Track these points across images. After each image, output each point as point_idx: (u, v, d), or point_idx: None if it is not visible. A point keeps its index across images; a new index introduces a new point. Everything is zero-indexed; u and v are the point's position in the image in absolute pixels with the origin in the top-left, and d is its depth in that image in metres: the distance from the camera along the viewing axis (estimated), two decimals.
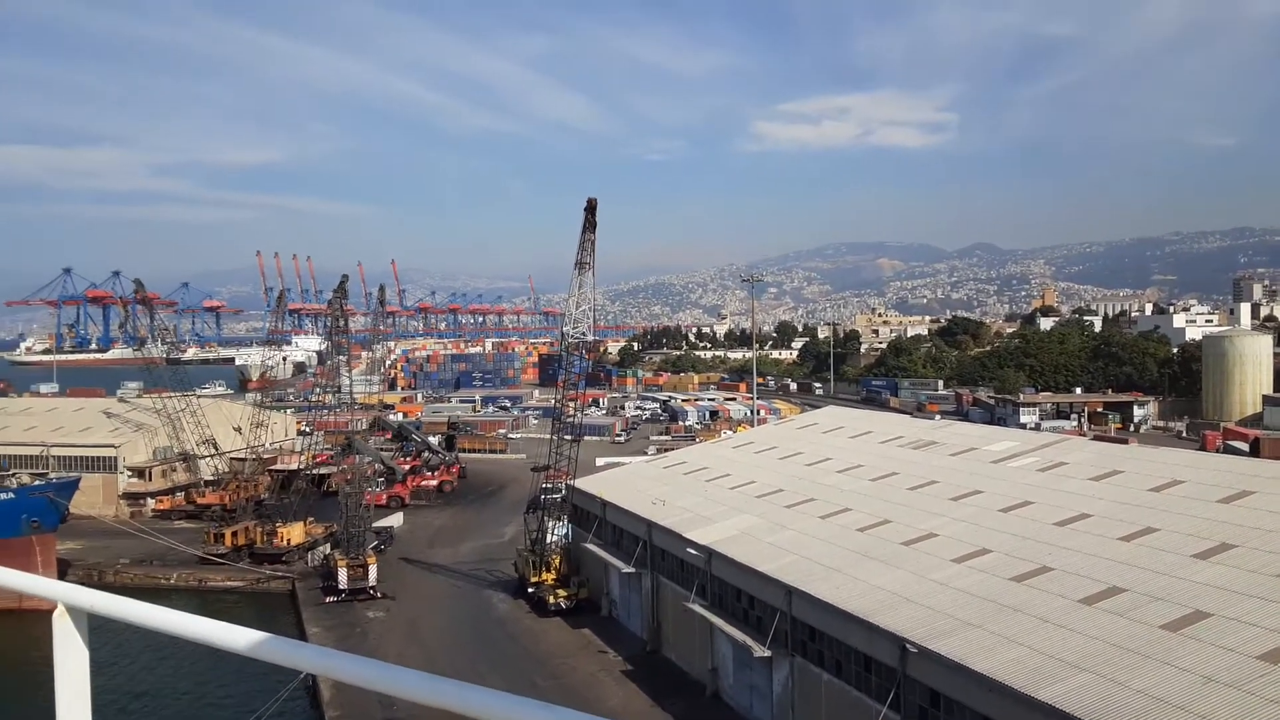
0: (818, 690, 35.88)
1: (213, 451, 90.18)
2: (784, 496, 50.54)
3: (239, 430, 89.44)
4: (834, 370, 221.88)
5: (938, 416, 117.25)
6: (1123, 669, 25.92)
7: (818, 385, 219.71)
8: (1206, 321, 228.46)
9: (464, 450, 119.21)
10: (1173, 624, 28.09)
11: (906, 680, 30.46)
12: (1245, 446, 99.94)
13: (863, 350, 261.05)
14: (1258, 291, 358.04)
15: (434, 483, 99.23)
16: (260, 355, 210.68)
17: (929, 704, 29.84)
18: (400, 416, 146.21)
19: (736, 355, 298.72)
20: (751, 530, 45.63)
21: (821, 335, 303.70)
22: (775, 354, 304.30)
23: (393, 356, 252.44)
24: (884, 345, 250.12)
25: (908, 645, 30.05)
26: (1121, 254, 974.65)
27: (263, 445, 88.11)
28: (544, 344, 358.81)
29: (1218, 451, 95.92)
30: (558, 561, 60.06)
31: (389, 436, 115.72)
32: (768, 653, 38.04)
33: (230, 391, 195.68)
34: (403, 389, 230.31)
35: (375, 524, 72.09)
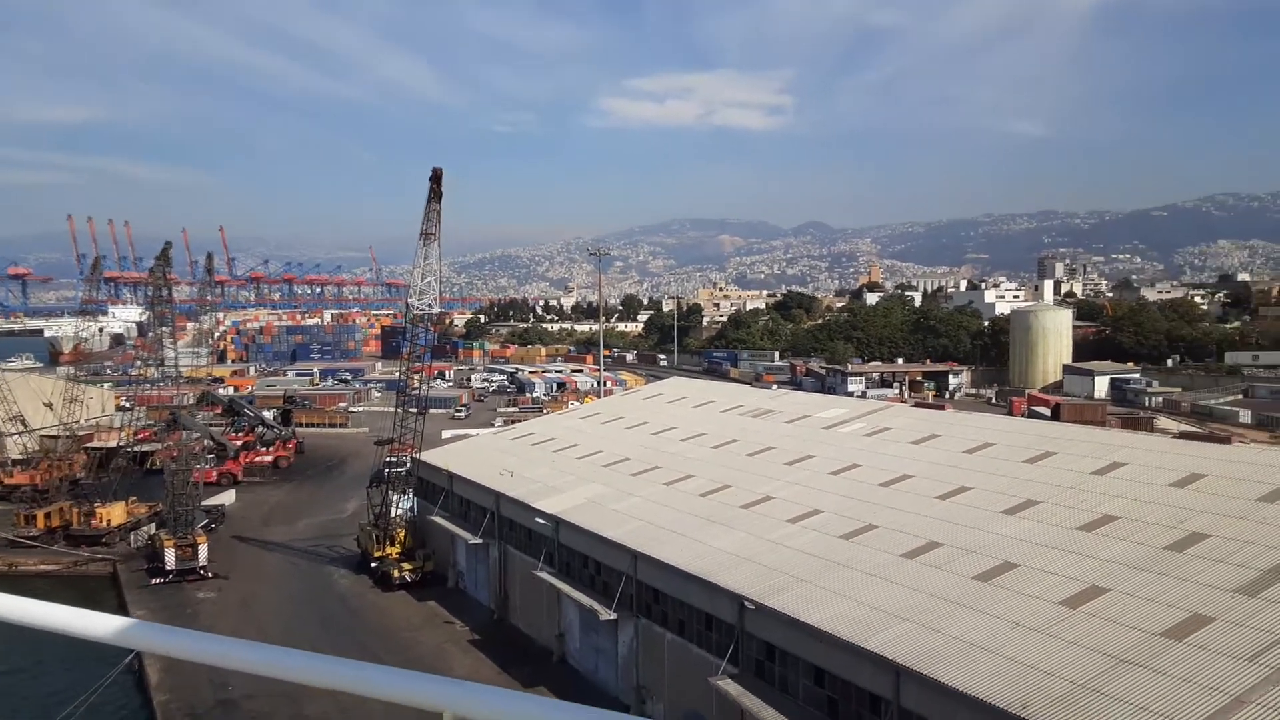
0: (660, 649, 37.09)
1: (21, 429, 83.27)
2: (630, 465, 51.56)
3: (50, 406, 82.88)
4: (678, 342, 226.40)
5: (774, 386, 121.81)
6: (939, 617, 28.11)
7: (662, 357, 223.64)
8: (1014, 297, 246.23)
9: (301, 425, 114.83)
10: (984, 574, 30.61)
11: (745, 636, 31.97)
12: (1047, 412, 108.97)
13: (705, 323, 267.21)
14: (1059, 270, 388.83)
15: (269, 459, 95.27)
16: (73, 326, 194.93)
17: (765, 657, 31.44)
18: (231, 390, 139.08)
19: (584, 328, 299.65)
20: (598, 498, 46.38)
21: (666, 308, 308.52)
22: (622, 326, 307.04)
23: (222, 328, 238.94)
24: (725, 318, 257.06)
25: (745, 602, 31.50)
26: (940, 234, 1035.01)
27: (77, 422, 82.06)
28: (387, 316, 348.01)
29: (1023, 416, 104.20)
30: (402, 535, 59.11)
31: (219, 411, 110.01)
32: (613, 615, 38.95)
33: (39, 365, 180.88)
34: (234, 362, 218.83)
35: (205, 502, 68.66)
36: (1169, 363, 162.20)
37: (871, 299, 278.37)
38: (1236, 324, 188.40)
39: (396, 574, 56.88)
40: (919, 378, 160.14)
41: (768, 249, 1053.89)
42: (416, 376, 58.58)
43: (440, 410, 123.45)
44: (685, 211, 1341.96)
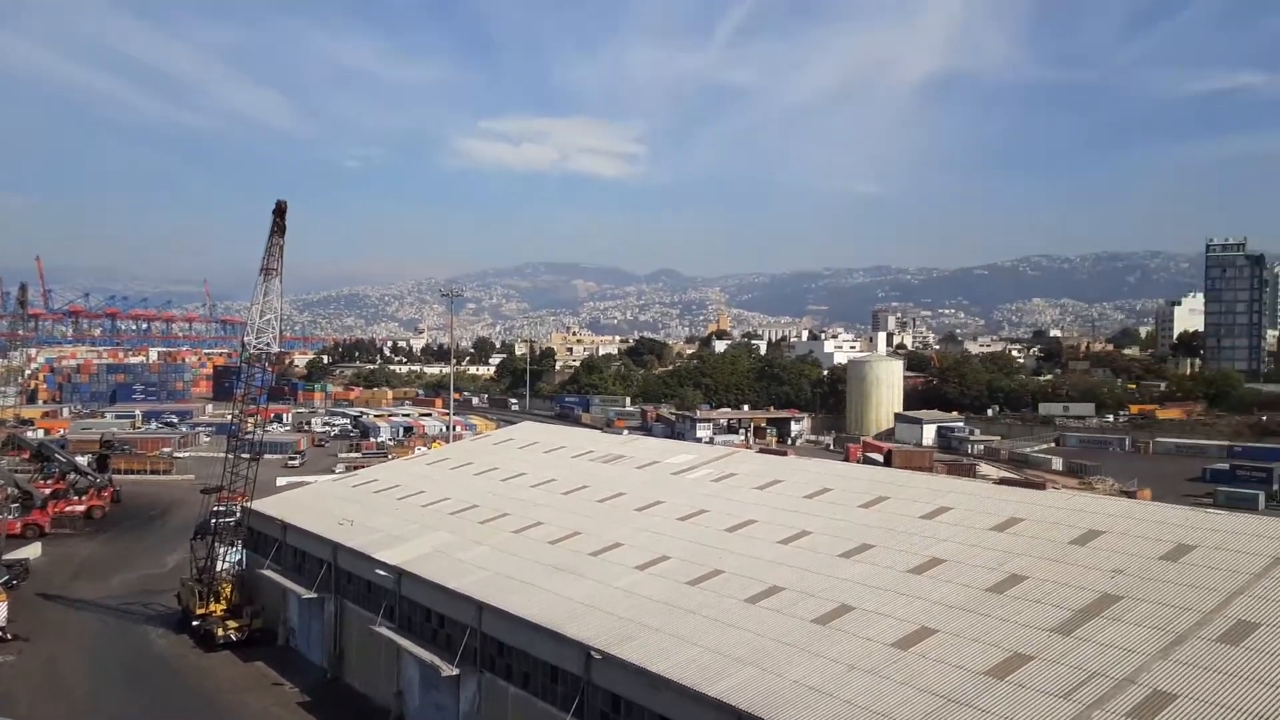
0: (504, 704, 36.10)
1: None
2: (478, 512, 50.44)
3: None
4: (530, 386, 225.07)
5: (625, 432, 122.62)
6: (780, 661, 28.59)
7: (514, 401, 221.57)
8: (851, 348, 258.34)
9: (121, 471, 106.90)
10: (823, 617, 31.43)
11: (590, 687, 31.54)
12: (880, 458, 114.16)
13: (558, 367, 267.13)
14: (892, 323, 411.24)
15: (81, 508, 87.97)
16: None
17: (610, 709, 31.09)
18: (40, 434, 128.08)
19: (434, 370, 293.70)
20: (444, 548, 45.06)
21: (519, 352, 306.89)
22: (474, 369, 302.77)
23: (34, 365, 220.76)
24: (578, 363, 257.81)
25: (592, 652, 31.13)
26: (784, 285, 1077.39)
27: None
28: (220, 355, 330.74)
29: (859, 462, 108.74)
30: (229, 590, 55.50)
31: (27, 456, 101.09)
32: (455, 671, 37.69)
33: None
34: (45, 402, 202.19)
35: (6, 556, 62.57)
36: (989, 412, 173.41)
37: (720, 346, 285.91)
38: (1049, 377, 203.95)
39: (221, 632, 53.28)
40: (763, 424, 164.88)
41: (621, 295, 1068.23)
42: (251, 420, 55.56)
43: (277, 456, 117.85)
44: (540, 255, 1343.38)
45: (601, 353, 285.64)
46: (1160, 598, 29.19)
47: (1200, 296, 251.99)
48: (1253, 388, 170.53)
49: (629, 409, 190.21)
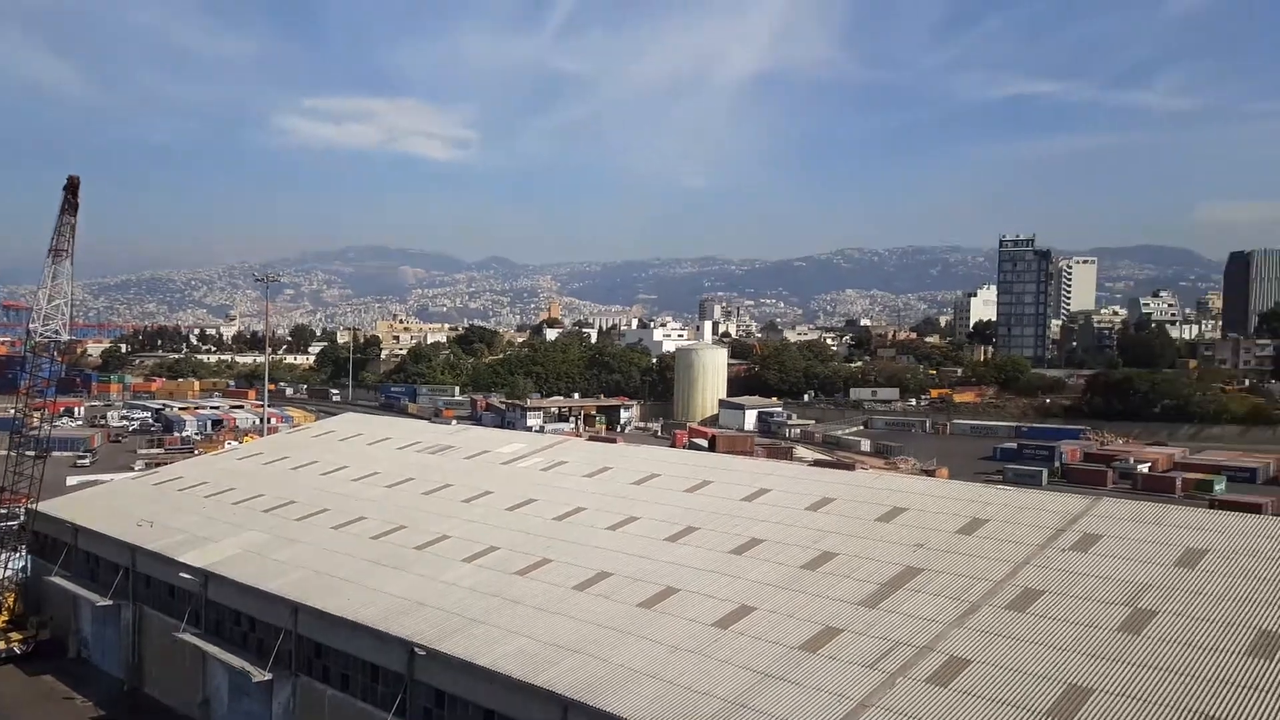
0: (321, 708, 34.71)
1: None
2: (295, 509, 48.17)
3: None
4: (353, 376, 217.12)
5: (454, 422, 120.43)
6: (607, 646, 28.87)
7: (335, 391, 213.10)
8: (679, 336, 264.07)
9: None
10: (648, 601, 31.96)
11: (414, 684, 30.80)
12: (705, 443, 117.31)
13: (383, 356, 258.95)
14: (717, 311, 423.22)
15: None
16: None
17: (434, 704, 30.48)
18: None
19: (246, 360, 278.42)
20: (257, 547, 42.76)
21: (341, 340, 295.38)
22: (291, 359, 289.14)
23: None
24: (404, 352, 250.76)
25: (416, 649, 30.40)
26: (615, 274, 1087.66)
27: None
28: (3, 343, 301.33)
29: (685, 447, 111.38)
30: (11, 600, 50.65)
31: None
32: (268, 676, 35.88)
33: None
34: None
35: None
36: (806, 397, 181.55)
37: (551, 335, 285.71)
38: (860, 363, 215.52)
39: (3, 645, 48.63)
40: (594, 412, 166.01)
41: (450, 282, 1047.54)
42: (37, 414, 50.80)
43: (66, 453, 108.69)
44: (365, 240, 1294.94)
45: (430, 341, 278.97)
46: (957, 569, 31.41)
47: (994, 288, 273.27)
48: (1038, 372, 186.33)
49: (458, 398, 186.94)
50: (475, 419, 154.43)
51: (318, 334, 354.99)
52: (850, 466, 69.87)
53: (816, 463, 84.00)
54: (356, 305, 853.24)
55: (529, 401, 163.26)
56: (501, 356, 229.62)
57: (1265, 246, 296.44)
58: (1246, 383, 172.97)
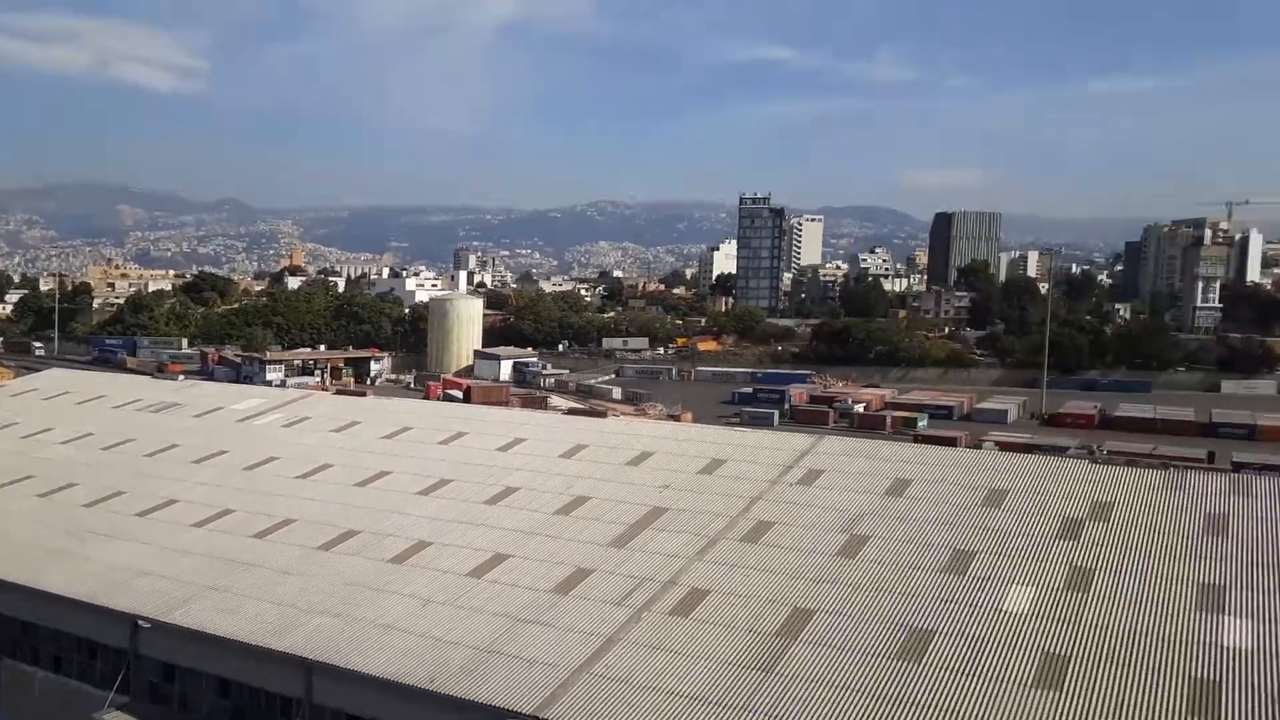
0: (30, 692, 31.47)
1: None
2: None
3: None
4: (60, 328, 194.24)
5: (181, 377, 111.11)
6: (356, 605, 28.21)
7: (39, 345, 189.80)
8: (433, 286, 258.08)
9: None
10: (399, 556, 31.47)
11: (138, 660, 28.64)
12: (460, 394, 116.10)
13: (97, 306, 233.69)
14: (473, 262, 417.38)
15: None
16: None
17: (162, 679, 28.54)
18: None
19: None
20: None
21: (45, 288, 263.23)
22: None
23: None
24: (122, 300, 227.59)
25: (139, 622, 28.23)
26: (364, 220, 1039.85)
27: None
28: None
29: (439, 399, 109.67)
30: None
31: None
32: None
33: None
34: None
35: None
36: (560, 347, 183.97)
37: (294, 283, 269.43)
38: (612, 314, 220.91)
39: None
40: (341, 365, 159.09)
41: (177, 225, 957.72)
42: None
43: None
44: (74, 177, 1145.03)
45: (152, 289, 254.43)
46: (698, 507, 33.36)
47: (734, 243, 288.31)
48: (772, 322, 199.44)
49: (186, 351, 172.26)
50: (207, 374, 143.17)
51: (16, 280, 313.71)
52: (602, 414, 71.85)
53: (570, 411, 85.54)
54: (64, 249, 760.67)
55: (269, 354, 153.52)
56: (237, 306, 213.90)
57: (964, 209, 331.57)
58: (946, 330, 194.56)
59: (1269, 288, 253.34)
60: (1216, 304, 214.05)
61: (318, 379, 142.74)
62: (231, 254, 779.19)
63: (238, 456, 43.38)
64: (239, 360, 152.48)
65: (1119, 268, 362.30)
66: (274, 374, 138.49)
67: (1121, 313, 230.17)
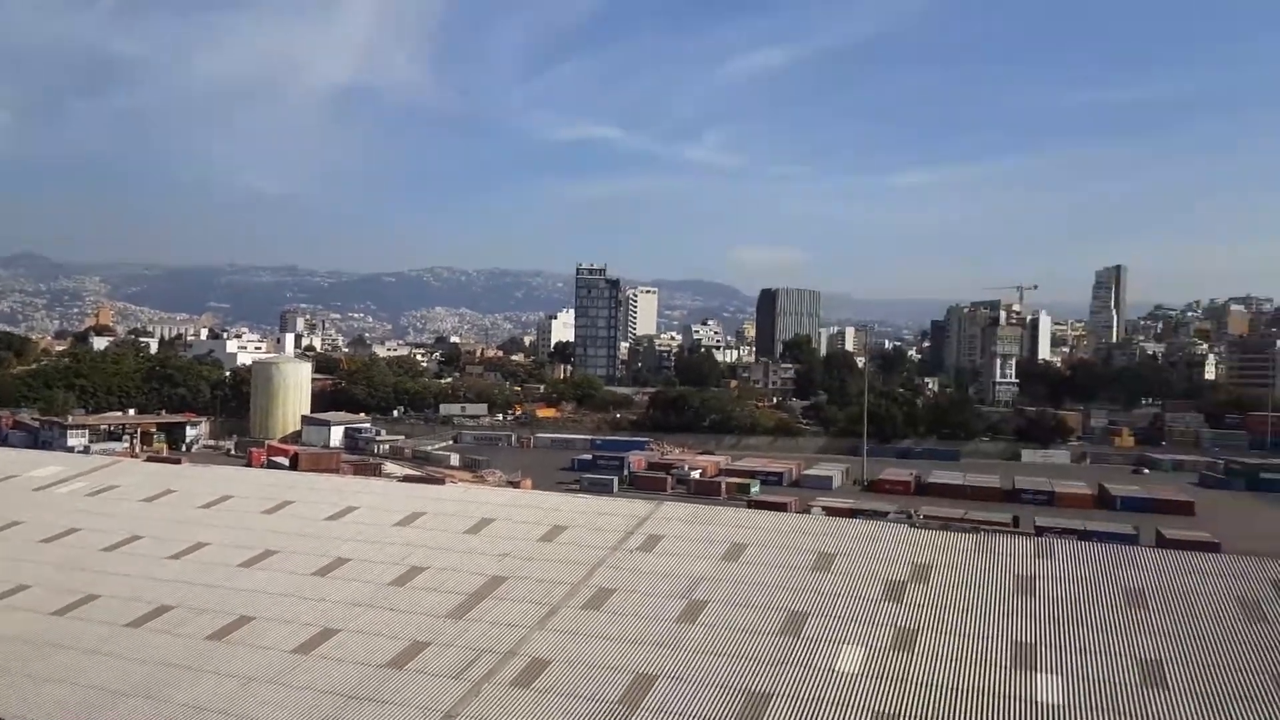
0: None
1: None
2: None
3: None
4: None
5: None
6: (170, 685, 26.14)
7: None
8: (257, 349, 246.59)
9: None
10: (218, 633, 29.46)
11: None
12: (286, 461, 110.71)
13: None
14: (301, 324, 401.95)
15: None
16: None
17: None
18: None
19: None
20: None
21: None
22: None
23: None
24: None
25: None
26: (181, 279, 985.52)
27: None
28: None
29: (263, 466, 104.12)
30: None
31: None
32: None
33: None
34: None
35: None
36: (395, 413, 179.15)
37: (100, 343, 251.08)
38: (449, 379, 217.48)
39: None
40: (154, 429, 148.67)
41: None
42: None
43: None
44: None
45: None
46: (539, 575, 33.03)
47: (572, 312, 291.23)
48: (610, 389, 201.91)
49: None
50: (0, 439, 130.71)
51: None
52: (440, 481, 70.04)
53: (406, 478, 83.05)
54: None
55: (71, 419, 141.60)
56: (35, 367, 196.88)
57: (787, 285, 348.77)
58: (775, 400, 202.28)
59: (1058, 364, 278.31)
60: (1014, 379, 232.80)
61: (126, 445, 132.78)
62: (30, 311, 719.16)
63: (35, 528, 39.64)
64: (36, 424, 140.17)
65: (926, 344, 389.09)
66: (76, 440, 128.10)
67: (930, 385, 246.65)
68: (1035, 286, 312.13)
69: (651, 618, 29.57)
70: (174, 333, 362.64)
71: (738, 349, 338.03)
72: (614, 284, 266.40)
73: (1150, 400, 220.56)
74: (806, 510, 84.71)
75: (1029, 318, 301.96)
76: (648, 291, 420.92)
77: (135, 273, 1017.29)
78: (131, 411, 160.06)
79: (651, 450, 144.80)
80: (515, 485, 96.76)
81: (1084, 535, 75.16)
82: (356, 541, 37.06)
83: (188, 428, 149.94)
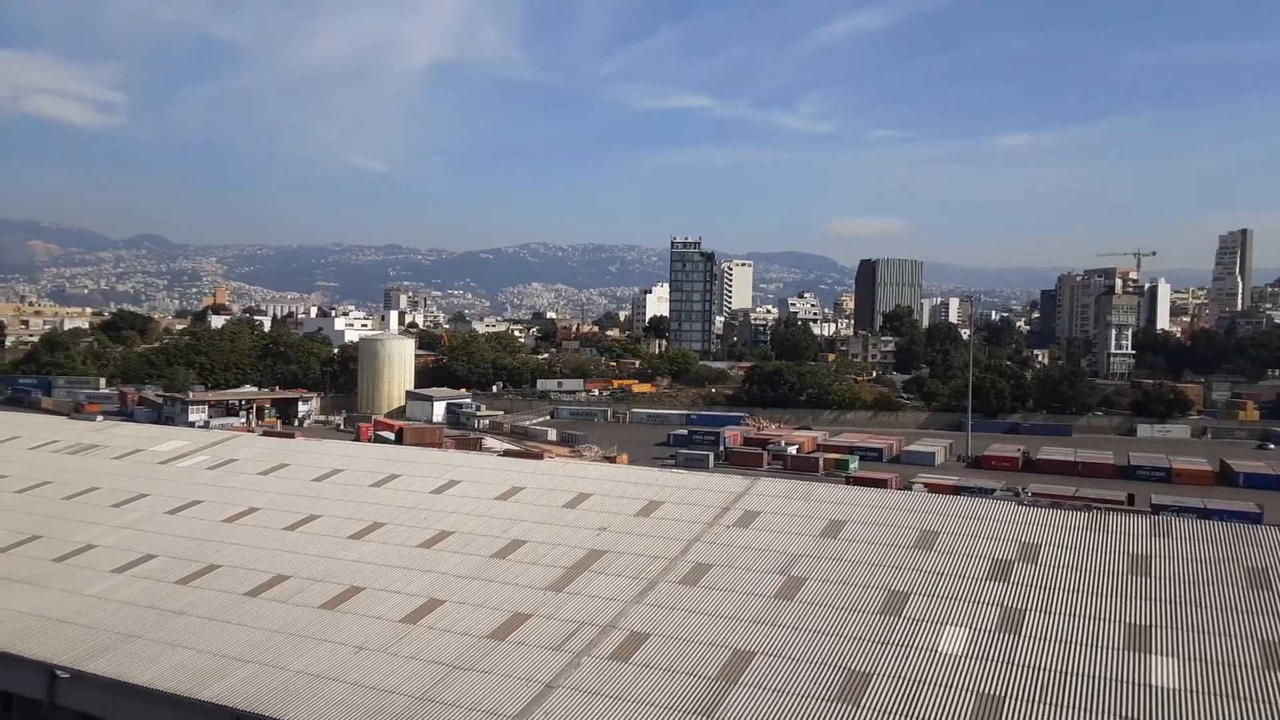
0: None
1: None
2: None
3: None
4: None
5: (100, 417, 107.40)
6: (284, 654, 27.35)
7: None
8: (363, 326, 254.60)
9: None
10: (330, 602, 30.68)
11: (56, 710, 27.30)
12: (392, 436, 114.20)
13: (9, 344, 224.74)
14: (404, 301, 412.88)
15: None
16: None
17: None
18: None
19: None
20: None
21: None
22: None
23: None
24: (36, 339, 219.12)
25: (58, 672, 26.97)
26: (290, 259, 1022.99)
27: None
28: None
29: (370, 441, 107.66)
30: None
31: None
32: None
33: None
34: None
35: None
36: (494, 388, 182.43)
37: (217, 322, 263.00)
38: (546, 355, 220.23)
39: None
40: (267, 405, 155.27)
41: (94, 261, 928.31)
42: None
43: None
44: None
45: (68, 327, 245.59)
46: (636, 549, 33.28)
47: (666, 286, 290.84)
48: (705, 364, 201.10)
49: (104, 391, 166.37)
50: (126, 414, 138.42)
51: None
52: (538, 455, 71.35)
53: (505, 453, 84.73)
54: None
55: (191, 395, 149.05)
56: (158, 345, 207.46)
57: (887, 255, 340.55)
58: (874, 374, 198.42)
59: (1178, 335, 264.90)
60: (1129, 350, 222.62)
61: (243, 420, 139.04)
62: (151, 291, 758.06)
63: (159, 500, 41.95)
64: (160, 401, 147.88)
65: (1035, 315, 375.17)
66: (197, 415, 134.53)
67: (1040, 358, 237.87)
68: (1154, 253, 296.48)
69: (749, 594, 29.48)
70: (285, 311, 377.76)
71: (835, 322, 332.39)
72: (709, 257, 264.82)
73: (1277, 372, 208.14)
74: (908, 487, 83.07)
75: (1147, 286, 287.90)
76: (743, 264, 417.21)
77: (248, 253, 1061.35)
78: (248, 387, 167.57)
79: (747, 425, 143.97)
80: (611, 460, 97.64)
81: (1204, 514, 71.68)
82: (460, 514, 38.01)
83: (300, 403, 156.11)
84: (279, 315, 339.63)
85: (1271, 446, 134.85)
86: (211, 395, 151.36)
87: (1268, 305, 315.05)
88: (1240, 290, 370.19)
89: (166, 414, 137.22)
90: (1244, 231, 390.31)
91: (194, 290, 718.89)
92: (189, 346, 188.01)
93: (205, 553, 35.48)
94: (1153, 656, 24.60)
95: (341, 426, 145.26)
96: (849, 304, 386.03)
